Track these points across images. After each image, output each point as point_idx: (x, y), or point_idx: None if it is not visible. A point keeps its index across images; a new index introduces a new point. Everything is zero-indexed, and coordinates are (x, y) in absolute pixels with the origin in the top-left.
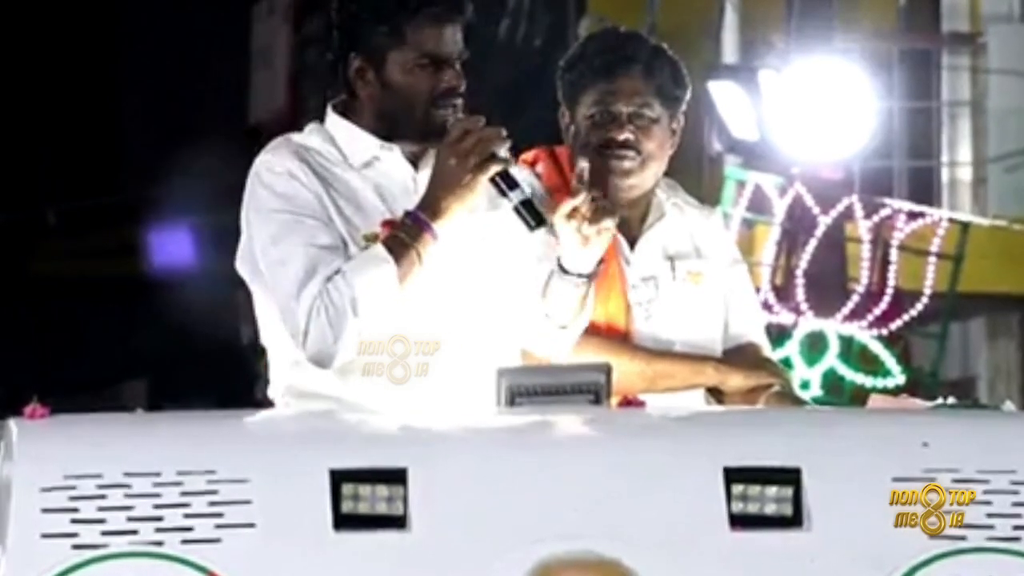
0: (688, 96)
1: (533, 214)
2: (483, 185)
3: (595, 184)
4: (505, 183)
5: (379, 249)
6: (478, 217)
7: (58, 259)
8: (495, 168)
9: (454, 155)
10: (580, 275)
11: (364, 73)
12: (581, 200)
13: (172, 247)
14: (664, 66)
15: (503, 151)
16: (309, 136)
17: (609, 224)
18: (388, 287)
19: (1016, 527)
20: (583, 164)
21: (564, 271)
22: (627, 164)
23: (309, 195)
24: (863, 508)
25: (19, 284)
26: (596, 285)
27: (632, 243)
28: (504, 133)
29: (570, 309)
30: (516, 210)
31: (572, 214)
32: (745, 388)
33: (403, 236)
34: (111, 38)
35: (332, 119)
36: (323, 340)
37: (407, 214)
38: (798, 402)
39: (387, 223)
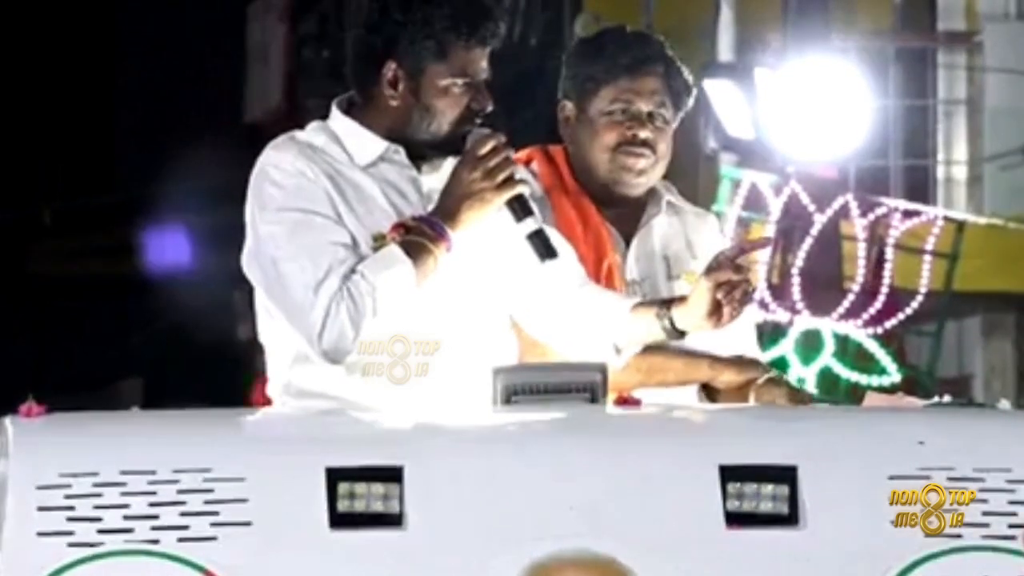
0: (692, 101)
1: (546, 245)
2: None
3: (606, 183)
4: (521, 209)
5: (396, 250)
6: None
7: (54, 258)
8: (518, 189)
9: (480, 169)
10: (681, 333)
11: (397, 82)
12: (740, 278)
13: (168, 246)
14: (679, 69)
15: (520, 174)
16: (313, 134)
17: (742, 311)
18: (406, 288)
19: (1011, 525)
20: (767, 240)
21: (672, 326)
22: (643, 163)
23: (319, 193)
24: (859, 506)
25: (15, 283)
26: (593, 281)
27: (627, 240)
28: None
29: (639, 344)
30: (529, 239)
31: (723, 285)
32: (738, 384)
33: (423, 240)
34: (107, 37)
35: (337, 118)
36: (342, 337)
37: (424, 220)
38: (792, 390)
39: (397, 225)
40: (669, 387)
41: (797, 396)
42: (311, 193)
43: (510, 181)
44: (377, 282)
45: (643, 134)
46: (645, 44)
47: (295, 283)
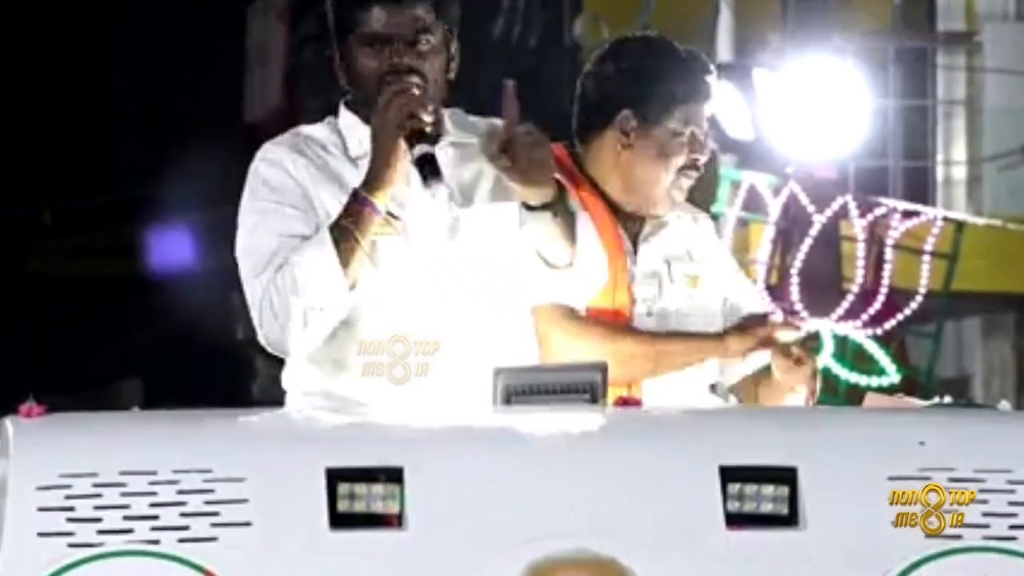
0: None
1: (433, 170)
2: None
3: (651, 201)
4: (415, 137)
5: (323, 234)
6: (476, 215)
7: (54, 258)
8: (412, 125)
9: (380, 120)
10: None
11: (334, 63)
12: (796, 354)
13: (168, 246)
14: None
15: (427, 115)
16: (318, 128)
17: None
18: (328, 268)
19: (1012, 526)
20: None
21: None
22: (690, 184)
23: (292, 183)
24: (859, 507)
25: (15, 283)
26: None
27: (633, 241)
28: (431, 107)
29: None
30: (416, 163)
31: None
32: (750, 348)
33: (344, 221)
34: (107, 38)
35: (342, 111)
36: (270, 326)
37: (352, 194)
38: (807, 351)
39: None
40: (679, 370)
41: (811, 364)
42: (286, 184)
43: (409, 120)
44: (296, 266)
45: (703, 159)
46: (708, 68)
47: (247, 275)
